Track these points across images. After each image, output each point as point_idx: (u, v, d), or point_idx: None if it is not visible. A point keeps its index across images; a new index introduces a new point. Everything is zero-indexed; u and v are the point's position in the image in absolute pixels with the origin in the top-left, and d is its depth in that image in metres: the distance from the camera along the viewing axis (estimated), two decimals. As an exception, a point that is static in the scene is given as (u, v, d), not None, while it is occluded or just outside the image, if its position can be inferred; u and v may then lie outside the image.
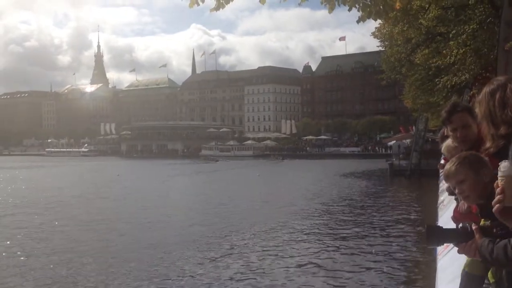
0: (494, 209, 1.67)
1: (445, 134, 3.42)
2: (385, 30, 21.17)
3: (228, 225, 17.22)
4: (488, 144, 2.02)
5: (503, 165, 1.68)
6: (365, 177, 40.82)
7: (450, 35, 14.98)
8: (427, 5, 14.87)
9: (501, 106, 1.90)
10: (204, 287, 10.01)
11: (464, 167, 2.15)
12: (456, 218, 2.79)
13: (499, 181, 1.69)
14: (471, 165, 2.14)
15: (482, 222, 1.99)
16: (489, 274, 2.16)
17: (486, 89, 2.01)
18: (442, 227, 2.06)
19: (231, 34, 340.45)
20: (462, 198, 2.27)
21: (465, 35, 13.55)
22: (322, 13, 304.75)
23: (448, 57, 15.39)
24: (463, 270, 2.69)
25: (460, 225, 2.09)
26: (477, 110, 2.10)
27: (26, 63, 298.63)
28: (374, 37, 23.88)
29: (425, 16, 15.46)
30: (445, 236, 2.04)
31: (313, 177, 40.64)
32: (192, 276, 10.77)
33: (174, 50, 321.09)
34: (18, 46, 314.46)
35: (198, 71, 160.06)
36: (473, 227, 1.95)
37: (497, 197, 1.66)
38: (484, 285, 2.36)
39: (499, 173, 1.69)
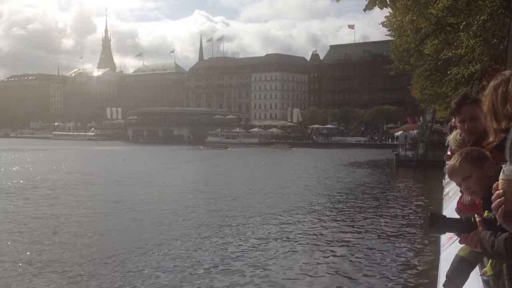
0: (497, 215, 1.66)
1: (454, 125, 3.40)
2: (394, 20, 21.01)
3: (230, 214, 17.25)
4: (491, 138, 2.02)
5: (507, 168, 1.66)
6: (371, 167, 40.78)
7: (461, 27, 14.82)
8: (437, -5, 14.71)
9: (503, 101, 1.90)
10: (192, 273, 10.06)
11: (468, 163, 2.16)
12: (460, 210, 2.80)
13: (500, 184, 1.67)
14: (475, 160, 2.15)
15: (486, 214, 1.98)
16: (488, 267, 2.16)
17: (492, 83, 2.01)
18: (445, 216, 2.06)
19: (234, 20, 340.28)
20: (469, 194, 2.27)
21: (475, 26, 13.40)
22: (324, 1, 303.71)
23: (460, 49, 15.25)
24: (457, 254, 2.72)
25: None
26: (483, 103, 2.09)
27: (29, 46, 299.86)
28: (383, 26, 23.71)
29: (435, 5, 15.30)
30: (447, 225, 2.06)
31: (318, 166, 40.62)
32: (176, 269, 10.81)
33: (178, 36, 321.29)
34: (22, 29, 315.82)
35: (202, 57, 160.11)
36: (477, 219, 1.95)
37: (497, 200, 1.65)
38: (484, 277, 2.37)
39: (501, 175, 1.67)
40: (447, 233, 2.28)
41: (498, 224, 1.74)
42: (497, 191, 1.66)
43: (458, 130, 3.27)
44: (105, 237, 13.24)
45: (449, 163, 2.24)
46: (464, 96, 3.00)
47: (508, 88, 1.92)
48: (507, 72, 2.01)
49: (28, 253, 11.32)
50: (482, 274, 2.47)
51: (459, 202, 2.88)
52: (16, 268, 10.07)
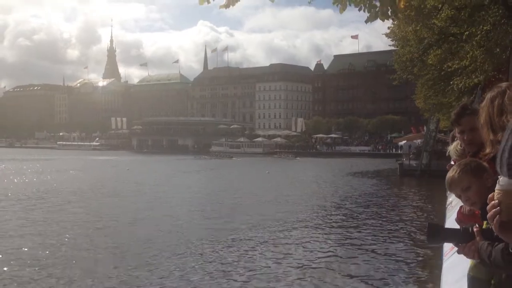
0: (493, 225, 1.67)
1: (455, 135, 3.42)
2: (398, 30, 21.05)
3: (232, 224, 17.26)
4: (487, 150, 2.03)
5: (503, 178, 1.67)
6: (375, 177, 40.71)
7: (464, 37, 14.86)
8: (440, 5, 14.76)
9: (499, 113, 1.91)
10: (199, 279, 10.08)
11: (467, 174, 2.18)
12: (459, 220, 2.81)
13: (496, 194, 1.69)
14: (474, 171, 2.17)
15: (485, 225, 1.99)
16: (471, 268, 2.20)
17: (488, 95, 2.03)
18: (443, 226, 2.09)
19: (238, 31, 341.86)
20: (469, 205, 2.28)
21: (478, 36, 13.45)
22: (327, 12, 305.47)
23: (465, 60, 15.29)
24: (468, 274, 2.71)
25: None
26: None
27: (35, 56, 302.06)
28: (387, 37, 23.75)
29: (438, 16, 15.36)
30: (445, 235, 2.09)
31: (322, 176, 40.59)
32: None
33: (182, 46, 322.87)
34: (27, 39, 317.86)
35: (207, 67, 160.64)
36: (474, 229, 1.97)
37: (492, 211, 1.67)
38: None
39: (497, 186, 1.69)
40: (449, 243, 2.30)
41: (495, 234, 1.75)
42: (492, 201, 1.68)
43: (458, 140, 3.29)
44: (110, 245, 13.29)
45: (448, 174, 2.25)
46: (463, 107, 3.02)
47: (504, 100, 1.93)
48: (503, 84, 2.04)
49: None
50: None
51: (459, 212, 2.89)
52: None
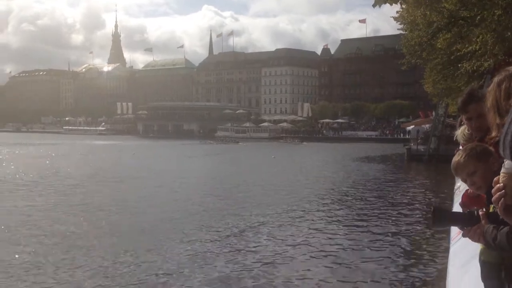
0: (498, 208, 1.69)
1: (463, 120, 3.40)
2: (407, 14, 20.80)
3: (239, 208, 17.27)
4: (493, 133, 2.05)
5: (508, 162, 1.68)
6: (382, 162, 40.66)
7: (476, 21, 14.66)
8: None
9: (506, 97, 1.91)
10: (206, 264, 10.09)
11: (473, 158, 2.19)
12: (464, 203, 2.80)
13: (501, 177, 1.70)
14: (479, 156, 2.18)
15: (491, 209, 1.99)
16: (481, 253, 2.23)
17: (495, 79, 2.02)
18: (448, 210, 2.07)
19: (243, 15, 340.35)
20: (474, 189, 2.28)
21: (489, 20, 13.26)
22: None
23: (474, 44, 15.10)
24: (480, 258, 2.69)
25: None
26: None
27: (39, 41, 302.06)
28: (396, 21, 23.49)
29: (448, -1, 15.14)
30: (450, 219, 2.09)
31: (328, 161, 40.57)
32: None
33: (186, 31, 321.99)
34: (31, 24, 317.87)
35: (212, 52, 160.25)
36: (480, 213, 1.98)
37: (497, 194, 1.68)
38: None
39: (502, 169, 1.70)
40: (456, 227, 2.29)
41: (501, 218, 1.77)
42: (498, 185, 1.69)
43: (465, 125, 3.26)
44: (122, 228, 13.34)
45: (454, 159, 2.26)
46: (470, 94, 2.98)
47: (511, 84, 1.93)
48: (511, 68, 2.02)
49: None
50: None
51: (464, 196, 2.88)
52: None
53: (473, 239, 2.04)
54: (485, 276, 2.39)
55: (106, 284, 9.03)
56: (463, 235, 2.10)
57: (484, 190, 2.14)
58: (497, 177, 1.72)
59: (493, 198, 1.70)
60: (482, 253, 2.51)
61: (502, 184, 1.68)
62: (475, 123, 2.89)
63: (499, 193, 1.67)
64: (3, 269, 9.76)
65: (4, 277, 9.33)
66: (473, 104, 2.89)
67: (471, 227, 2.00)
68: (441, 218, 2.04)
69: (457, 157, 2.24)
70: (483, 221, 1.94)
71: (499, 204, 1.67)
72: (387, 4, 10.42)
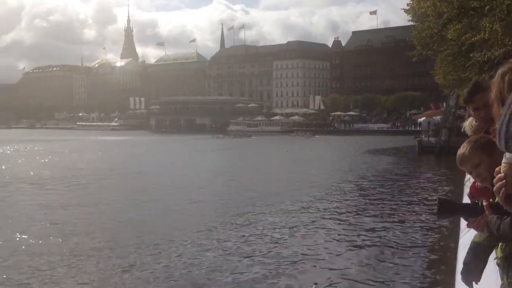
0: (499, 197, 1.70)
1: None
2: (417, 6, 20.71)
3: (252, 201, 17.41)
4: (497, 125, 2.06)
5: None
6: (394, 154, 40.53)
7: (485, 11, 14.58)
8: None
9: (510, 89, 1.90)
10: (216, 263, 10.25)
11: (477, 150, 2.19)
12: (472, 195, 2.82)
13: (502, 167, 1.71)
14: (484, 148, 2.18)
15: (497, 199, 1.98)
16: (498, 249, 2.21)
17: (499, 71, 2.01)
18: (453, 201, 2.12)
19: (254, 8, 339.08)
20: (480, 181, 2.30)
21: (498, 10, 13.20)
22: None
23: (483, 33, 15.02)
24: (472, 241, 2.77)
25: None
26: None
27: (51, 37, 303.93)
28: (406, 13, 23.39)
29: (458, -10, 15.07)
30: (456, 210, 2.11)
31: (340, 154, 40.54)
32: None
33: (197, 24, 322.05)
34: (43, 20, 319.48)
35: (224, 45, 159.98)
36: (484, 203, 1.99)
37: (498, 183, 1.69)
38: (497, 261, 2.42)
39: (504, 159, 1.70)
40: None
41: (504, 208, 1.78)
42: (499, 175, 1.71)
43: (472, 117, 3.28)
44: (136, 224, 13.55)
45: (459, 151, 2.26)
46: (475, 84, 2.99)
47: None
48: None
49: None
50: (496, 258, 2.52)
51: (472, 187, 2.91)
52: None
53: (478, 229, 2.07)
54: (472, 256, 2.45)
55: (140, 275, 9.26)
56: (468, 226, 2.12)
57: (490, 181, 2.09)
58: (499, 167, 1.73)
59: (495, 188, 1.70)
60: (475, 236, 2.59)
61: (503, 174, 1.68)
62: (483, 113, 2.86)
63: (500, 182, 1.68)
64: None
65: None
66: (479, 94, 2.86)
67: (475, 218, 2.03)
68: (446, 209, 2.06)
69: (462, 150, 2.24)
70: (487, 212, 1.96)
71: (500, 194, 1.68)
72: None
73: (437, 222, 13.00)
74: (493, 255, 2.91)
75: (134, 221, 14.01)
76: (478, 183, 2.75)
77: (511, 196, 1.67)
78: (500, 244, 2.18)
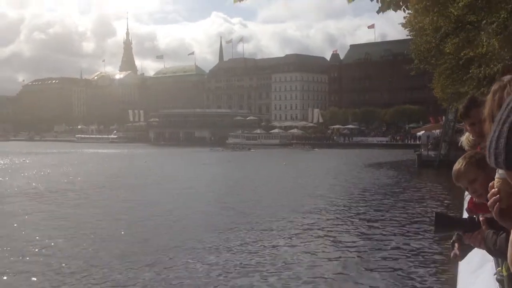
0: (493, 212, 1.69)
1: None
2: (415, 20, 20.83)
3: (249, 215, 17.35)
4: (487, 142, 2.05)
5: None
6: (393, 168, 40.48)
7: (482, 24, 14.66)
8: (457, -7, 14.58)
9: (499, 107, 1.87)
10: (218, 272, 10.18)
11: (473, 166, 2.20)
12: (470, 209, 2.82)
13: (495, 182, 1.71)
14: (479, 163, 2.18)
15: None
16: (504, 267, 2.19)
17: (492, 88, 2.03)
18: (450, 215, 2.11)
19: (251, 22, 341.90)
20: (476, 197, 2.30)
21: (495, 24, 13.27)
22: (340, 1, 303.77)
23: (480, 48, 15.10)
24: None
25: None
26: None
27: (51, 50, 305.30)
28: (403, 27, 23.52)
29: (455, 4, 15.17)
30: (453, 224, 2.13)
31: (339, 167, 40.48)
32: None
33: (195, 38, 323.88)
34: (42, 33, 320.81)
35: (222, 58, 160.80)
36: (481, 218, 2.00)
37: (492, 198, 1.69)
38: (497, 277, 2.39)
39: (497, 174, 1.71)
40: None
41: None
42: (492, 190, 1.70)
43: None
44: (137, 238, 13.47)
45: (454, 167, 2.27)
46: (471, 99, 3.00)
47: (503, 94, 1.92)
48: (506, 78, 2.02)
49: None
50: (496, 274, 2.49)
51: (470, 202, 2.90)
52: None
53: (474, 244, 2.07)
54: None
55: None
56: (464, 241, 2.13)
57: (486, 197, 2.09)
58: (492, 182, 1.73)
59: (489, 203, 1.70)
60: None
61: (497, 189, 1.68)
62: (478, 128, 2.84)
63: (494, 198, 1.68)
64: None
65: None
66: (475, 109, 2.87)
67: (472, 232, 2.04)
68: (443, 223, 2.07)
69: (457, 165, 2.25)
70: (483, 227, 1.96)
71: (494, 209, 1.67)
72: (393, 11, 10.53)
73: (436, 239, 12.96)
74: (492, 271, 2.87)
75: (135, 235, 13.93)
76: (476, 199, 2.74)
77: (505, 211, 1.67)
78: (505, 261, 2.13)
